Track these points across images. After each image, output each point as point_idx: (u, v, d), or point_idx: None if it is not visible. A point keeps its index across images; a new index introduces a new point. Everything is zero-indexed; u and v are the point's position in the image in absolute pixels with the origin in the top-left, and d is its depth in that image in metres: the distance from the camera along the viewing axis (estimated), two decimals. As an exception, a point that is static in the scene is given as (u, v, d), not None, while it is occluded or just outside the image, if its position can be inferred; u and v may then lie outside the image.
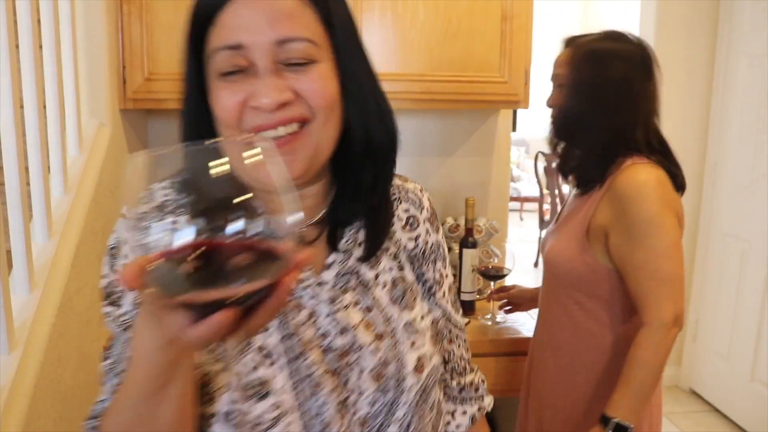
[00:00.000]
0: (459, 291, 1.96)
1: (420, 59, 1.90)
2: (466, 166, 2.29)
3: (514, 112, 2.31)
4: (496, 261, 2.11)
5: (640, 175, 1.34)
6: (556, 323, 1.51)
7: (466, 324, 1.82)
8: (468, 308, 1.96)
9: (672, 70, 3.26)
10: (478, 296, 2.05)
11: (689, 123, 3.34)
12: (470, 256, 1.92)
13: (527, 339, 1.79)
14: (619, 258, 1.36)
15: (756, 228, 2.98)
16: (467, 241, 1.93)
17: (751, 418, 3.04)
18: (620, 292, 1.40)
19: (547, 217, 6.12)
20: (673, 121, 3.31)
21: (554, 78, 1.49)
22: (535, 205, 6.84)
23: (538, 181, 6.83)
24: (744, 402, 3.08)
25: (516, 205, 7.15)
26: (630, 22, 3.15)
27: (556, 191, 5.28)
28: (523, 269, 6.16)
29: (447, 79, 1.91)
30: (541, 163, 6.13)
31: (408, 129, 2.24)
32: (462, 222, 2.07)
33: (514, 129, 2.32)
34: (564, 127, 1.48)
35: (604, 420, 1.32)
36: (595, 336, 1.44)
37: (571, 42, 1.48)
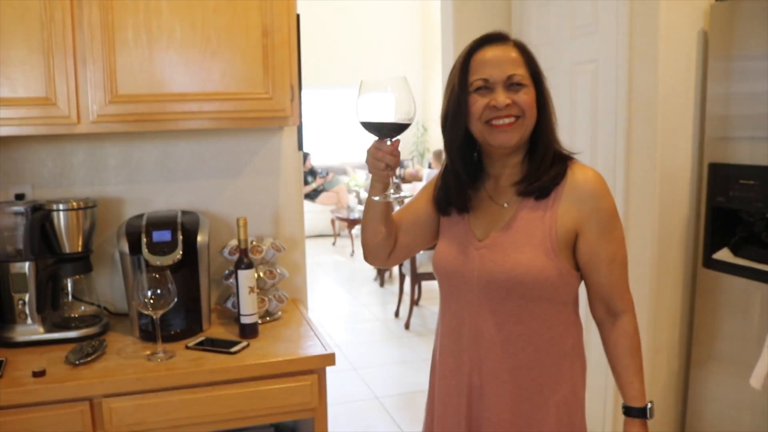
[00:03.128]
0: (239, 314, 1.90)
1: (181, 78, 1.84)
2: (251, 187, 2.25)
3: (299, 130, 2.29)
4: (281, 278, 2.07)
5: (589, 172, 1.33)
6: (516, 341, 1.34)
7: (244, 347, 1.78)
8: (250, 332, 1.90)
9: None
10: (260, 321, 1.99)
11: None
12: (246, 276, 1.86)
13: (315, 357, 1.77)
14: (590, 255, 1.32)
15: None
16: (242, 262, 1.87)
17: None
18: (576, 293, 1.38)
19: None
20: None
21: (509, 78, 1.29)
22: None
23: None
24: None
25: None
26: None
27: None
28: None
29: (210, 98, 1.86)
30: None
31: (187, 152, 2.16)
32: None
33: (300, 147, 2.30)
34: (536, 131, 1.35)
35: (638, 411, 1.36)
36: (558, 344, 1.36)
37: (505, 38, 1.34)
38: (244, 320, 1.89)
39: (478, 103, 1.30)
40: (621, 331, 1.37)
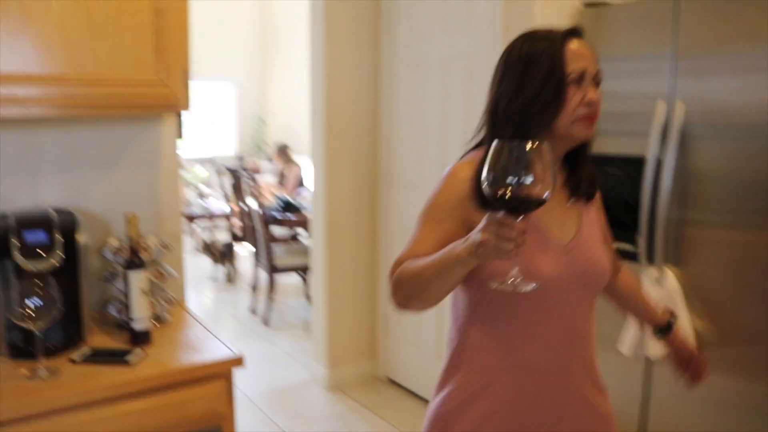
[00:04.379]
0: (128, 320, 1.72)
1: (60, 58, 1.61)
2: (129, 181, 2.05)
3: (179, 119, 2.13)
4: (170, 278, 1.92)
5: None
6: (585, 339, 1.36)
7: (142, 357, 1.61)
8: (143, 339, 1.73)
9: (342, 74, 3.39)
10: (156, 323, 1.83)
11: (363, 128, 3.50)
12: (137, 278, 1.69)
13: (223, 362, 1.65)
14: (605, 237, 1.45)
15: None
16: (133, 262, 1.70)
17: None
18: None
19: (236, 231, 6.01)
20: (348, 126, 3.44)
21: (597, 75, 1.27)
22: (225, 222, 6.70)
23: (227, 197, 6.70)
24: (434, 381, 3.30)
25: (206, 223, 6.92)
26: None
27: (245, 206, 5.20)
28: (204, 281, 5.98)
29: (94, 81, 1.66)
30: (228, 179, 6.01)
31: (55, 143, 1.91)
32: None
33: (180, 136, 2.14)
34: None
35: (668, 325, 1.57)
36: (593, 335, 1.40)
37: (583, 33, 1.30)
38: (137, 326, 1.72)
39: (576, 95, 1.23)
40: (626, 275, 1.56)
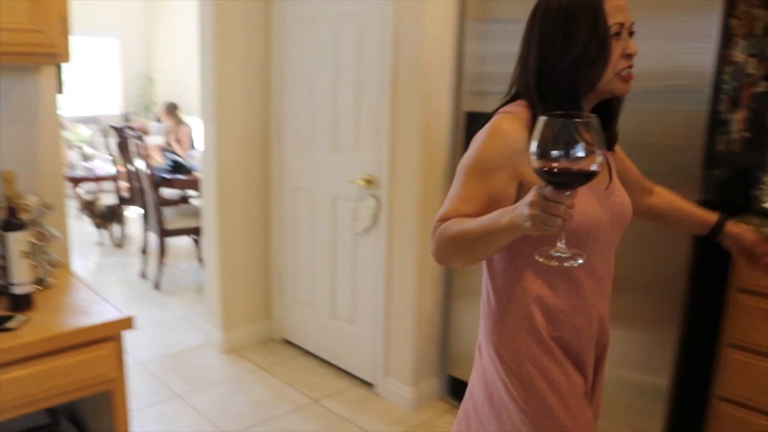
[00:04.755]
0: (8, 284, 1.63)
1: None
2: (4, 136, 1.91)
3: (59, 72, 2.00)
4: (53, 240, 1.82)
5: None
6: (612, 267, 1.41)
7: (24, 321, 1.53)
8: (24, 304, 1.64)
9: (232, 30, 3.29)
10: (38, 287, 1.74)
11: (254, 86, 3.42)
12: (17, 239, 1.60)
13: (112, 323, 1.60)
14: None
15: (320, 180, 3.23)
16: (11, 222, 1.60)
17: (336, 352, 3.34)
18: None
19: (124, 194, 5.76)
20: (239, 85, 3.36)
21: (632, 26, 1.26)
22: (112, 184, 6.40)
23: (113, 158, 6.40)
24: (330, 339, 3.36)
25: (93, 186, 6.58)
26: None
27: (133, 167, 4.99)
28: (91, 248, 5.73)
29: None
30: (114, 139, 5.73)
31: None
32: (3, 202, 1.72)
33: (60, 91, 2.01)
34: None
35: (721, 223, 1.55)
36: None
37: None
38: (17, 290, 1.63)
39: (617, 50, 1.22)
40: (662, 192, 1.61)
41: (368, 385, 3.19)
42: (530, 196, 1.02)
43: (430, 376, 3.01)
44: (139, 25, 9.28)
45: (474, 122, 2.59)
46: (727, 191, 2.21)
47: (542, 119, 1.00)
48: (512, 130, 1.23)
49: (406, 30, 2.64)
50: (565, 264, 1.07)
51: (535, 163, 1.00)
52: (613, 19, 1.20)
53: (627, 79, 1.25)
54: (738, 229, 1.54)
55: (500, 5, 2.49)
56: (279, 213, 3.55)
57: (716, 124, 2.05)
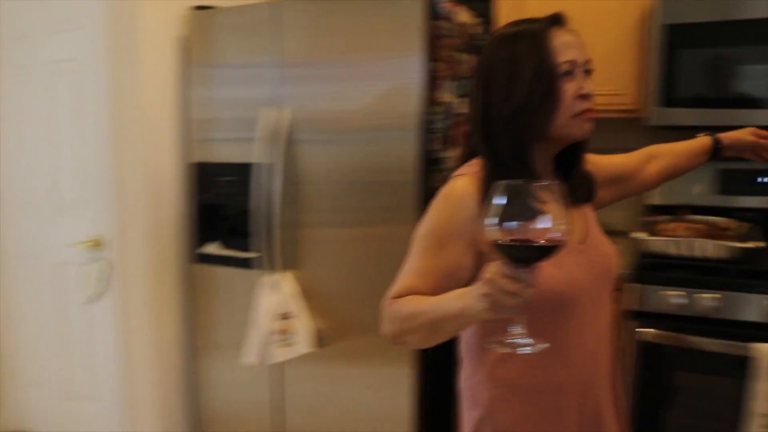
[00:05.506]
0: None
1: None
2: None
3: None
4: None
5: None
6: (608, 346, 1.27)
7: None
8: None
9: None
10: None
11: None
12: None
13: None
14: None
15: (42, 246, 2.88)
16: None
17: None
18: None
19: None
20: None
21: (587, 63, 1.16)
22: None
23: None
24: (71, 424, 2.96)
25: None
26: None
27: None
28: None
29: None
30: None
31: None
32: None
33: None
34: None
35: (717, 144, 1.53)
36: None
37: (563, 20, 1.17)
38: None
39: (569, 90, 1.11)
40: (652, 149, 1.55)
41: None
42: (484, 274, 0.91)
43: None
44: None
45: (204, 174, 2.47)
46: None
47: (497, 184, 0.90)
48: (466, 194, 1.12)
49: (126, 77, 2.47)
50: (522, 350, 0.93)
51: (490, 234, 0.89)
52: (562, 57, 1.12)
53: (585, 119, 1.15)
54: (732, 137, 1.55)
55: (226, 49, 2.42)
56: (1, 287, 3.09)
57: (431, 162, 2.13)
